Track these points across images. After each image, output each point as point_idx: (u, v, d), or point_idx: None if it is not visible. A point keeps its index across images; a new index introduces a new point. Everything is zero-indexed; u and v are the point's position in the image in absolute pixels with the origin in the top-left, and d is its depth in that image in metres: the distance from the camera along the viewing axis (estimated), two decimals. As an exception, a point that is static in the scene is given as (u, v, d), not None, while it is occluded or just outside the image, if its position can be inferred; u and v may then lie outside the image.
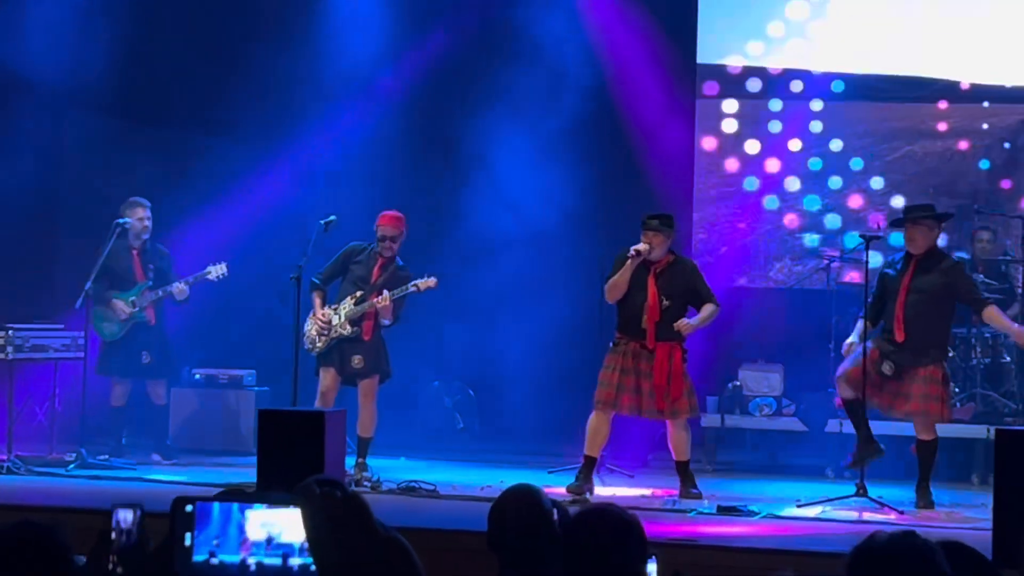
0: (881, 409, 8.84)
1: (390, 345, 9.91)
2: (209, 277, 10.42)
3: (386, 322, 9.67)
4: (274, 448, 7.18)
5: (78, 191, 12.18)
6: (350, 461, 9.19)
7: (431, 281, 9.58)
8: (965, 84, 12.03)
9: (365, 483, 9.13)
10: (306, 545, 1.79)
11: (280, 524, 2.22)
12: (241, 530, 2.26)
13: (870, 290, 8.98)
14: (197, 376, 11.45)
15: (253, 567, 2.21)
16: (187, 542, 2.26)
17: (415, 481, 9.01)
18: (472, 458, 11.00)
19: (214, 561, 2.26)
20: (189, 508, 2.27)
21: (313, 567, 1.77)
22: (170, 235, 11.12)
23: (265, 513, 2.26)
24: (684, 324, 8.90)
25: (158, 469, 9.99)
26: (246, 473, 8.49)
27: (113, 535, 2.96)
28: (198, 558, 2.27)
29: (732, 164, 12.53)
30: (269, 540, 2.21)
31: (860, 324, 8.98)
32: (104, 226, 10.30)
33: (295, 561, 2.19)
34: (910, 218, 8.90)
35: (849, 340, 9.05)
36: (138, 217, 10.47)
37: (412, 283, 9.58)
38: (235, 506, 2.26)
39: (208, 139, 12.34)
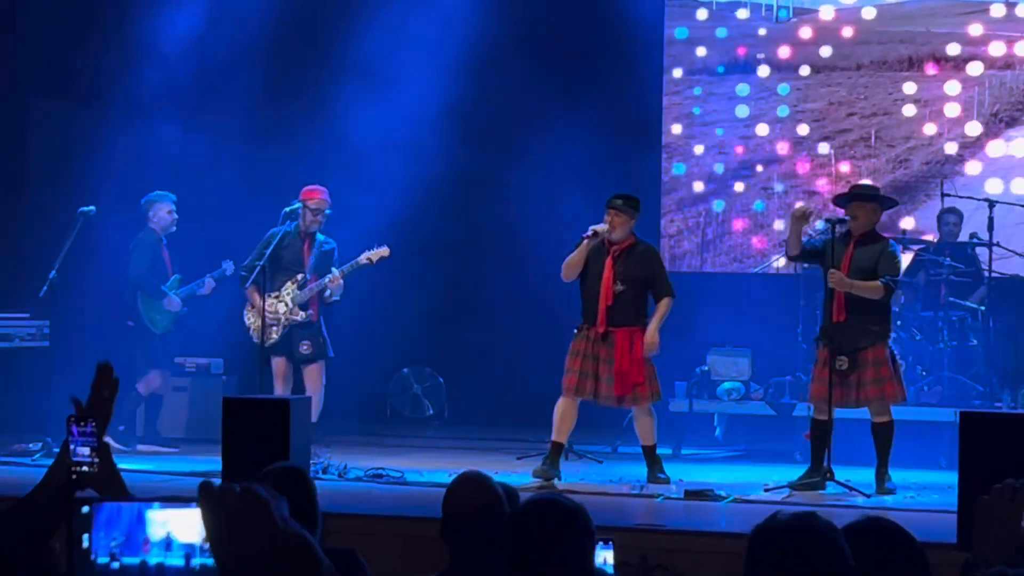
0: (844, 405, 8.72)
1: (359, 331, 9.86)
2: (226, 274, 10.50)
3: (336, 298, 9.61)
4: (239, 436, 7.16)
5: (43, 178, 12.08)
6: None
7: (384, 251, 9.49)
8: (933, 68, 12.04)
9: (332, 470, 9.09)
10: (207, 544, 1.77)
11: (181, 524, 2.19)
12: (142, 531, 2.23)
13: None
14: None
15: (154, 568, 2.18)
16: (84, 544, 2.22)
17: (382, 468, 8.99)
18: (441, 445, 10.98)
19: (115, 565, 2.22)
20: (86, 509, 2.24)
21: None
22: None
23: (166, 513, 2.23)
24: (649, 345, 8.76)
25: (122, 458, 9.90)
26: (212, 461, 8.45)
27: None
28: (101, 560, 2.24)
29: (699, 148, 12.54)
30: (169, 541, 2.18)
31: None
32: (70, 213, 10.23)
33: (197, 561, 2.16)
34: (856, 195, 8.88)
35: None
36: (167, 211, 10.46)
37: (364, 255, 9.50)
38: (136, 506, 2.23)
39: (176, 127, 12.25)
